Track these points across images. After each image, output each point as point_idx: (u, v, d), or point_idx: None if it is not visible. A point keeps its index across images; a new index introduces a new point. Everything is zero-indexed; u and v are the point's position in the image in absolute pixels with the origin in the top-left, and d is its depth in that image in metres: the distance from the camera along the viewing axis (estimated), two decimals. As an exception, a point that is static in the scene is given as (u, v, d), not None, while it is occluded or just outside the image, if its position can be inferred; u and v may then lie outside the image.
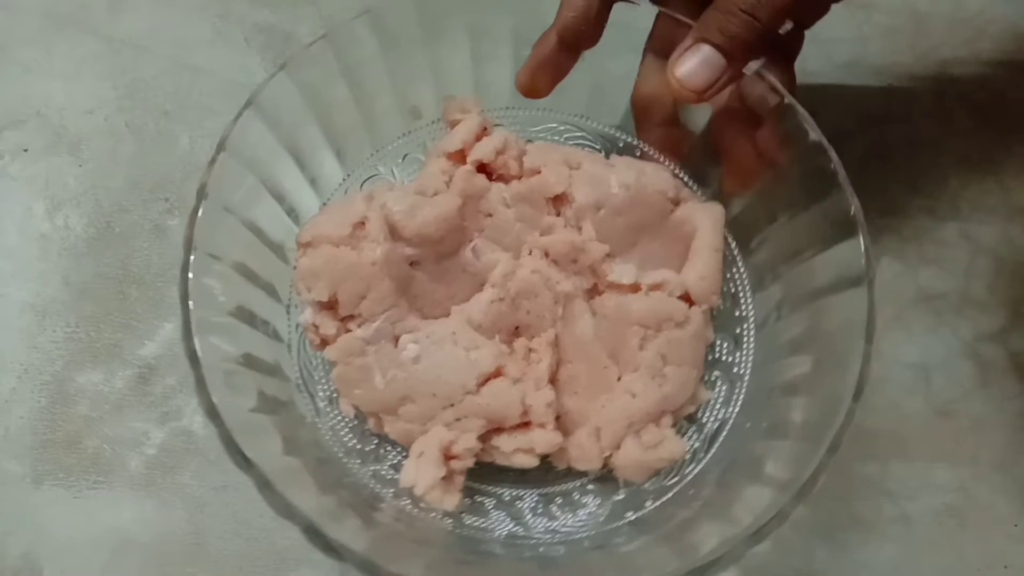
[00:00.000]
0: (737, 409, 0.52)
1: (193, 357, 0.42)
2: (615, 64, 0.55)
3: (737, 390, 0.53)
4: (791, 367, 0.50)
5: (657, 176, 0.53)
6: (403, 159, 0.58)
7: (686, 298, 0.51)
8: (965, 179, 0.65)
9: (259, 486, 0.40)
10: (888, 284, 0.61)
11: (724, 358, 0.54)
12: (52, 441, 0.55)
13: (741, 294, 0.55)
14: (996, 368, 0.60)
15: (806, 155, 0.49)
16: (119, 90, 0.65)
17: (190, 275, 0.44)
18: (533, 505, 0.52)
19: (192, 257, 0.44)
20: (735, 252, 0.55)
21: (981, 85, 0.68)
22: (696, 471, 0.51)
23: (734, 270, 0.55)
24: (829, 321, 0.48)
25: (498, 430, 0.49)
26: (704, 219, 0.53)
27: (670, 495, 0.50)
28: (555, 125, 0.59)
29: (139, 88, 0.65)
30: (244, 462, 0.41)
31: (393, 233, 0.51)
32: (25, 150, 0.63)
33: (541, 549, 0.50)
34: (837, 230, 0.48)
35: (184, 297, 0.43)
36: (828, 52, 0.69)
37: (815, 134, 0.49)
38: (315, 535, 0.40)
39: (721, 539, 0.41)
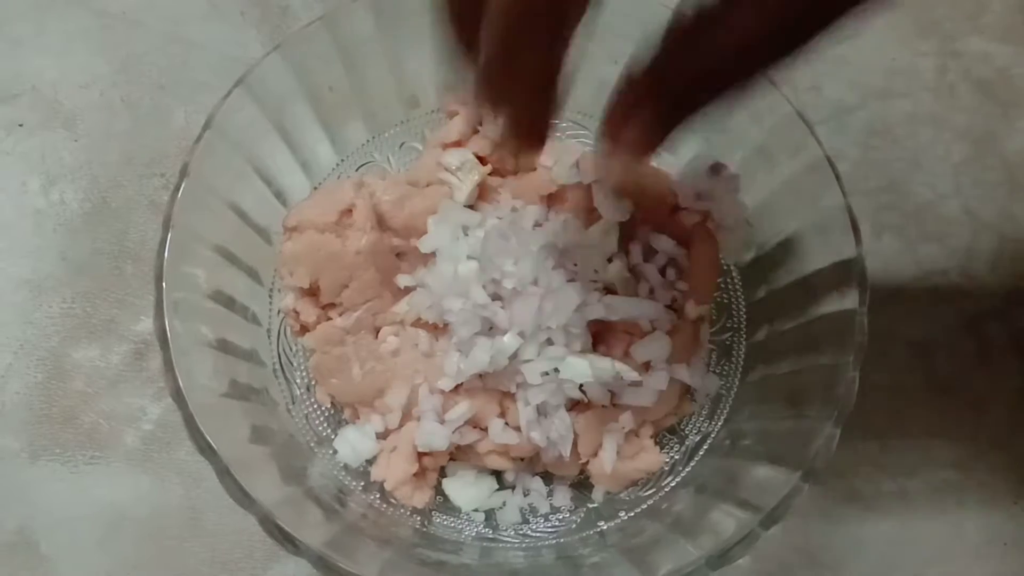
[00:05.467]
0: (720, 423, 0.51)
1: (163, 338, 0.42)
2: (622, 61, 0.54)
3: (722, 404, 0.52)
4: (777, 385, 0.49)
5: (657, 180, 0.52)
6: (400, 147, 0.57)
7: (677, 305, 0.50)
8: (967, 155, 0.64)
9: (218, 473, 0.40)
10: (889, 260, 0.61)
11: (712, 369, 0.53)
12: (48, 416, 0.55)
13: (734, 304, 0.54)
14: (997, 346, 0.59)
15: (810, 170, 0.48)
16: (113, 65, 0.64)
17: (166, 255, 0.43)
18: (506, 508, 0.51)
19: (170, 236, 0.43)
20: (731, 263, 0.54)
21: (984, 60, 0.67)
22: (673, 484, 0.50)
23: (728, 280, 0.54)
24: (820, 340, 0.47)
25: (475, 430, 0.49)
26: (701, 226, 0.52)
27: (644, 507, 0.50)
28: (557, 122, 0.57)
29: (133, 63, 0.64)
30: (206, 447, 0.40)
31: (381, 223, 0.50)
32: (20, 125, 0.62)
33: (508, 554, 0.49)
34: (836, 246, 0.46)
35: (159, 278, 0.43)
36: (830, 27, 0.68)
37: (820, 149, 0.47)
38: (273, 527, 0.40)
39: (682, 562, 0.40)
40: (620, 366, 0.47)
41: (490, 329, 0.47)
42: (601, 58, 0.54)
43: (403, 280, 0.50)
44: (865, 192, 0.63)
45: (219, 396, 0.44)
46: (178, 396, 0.41)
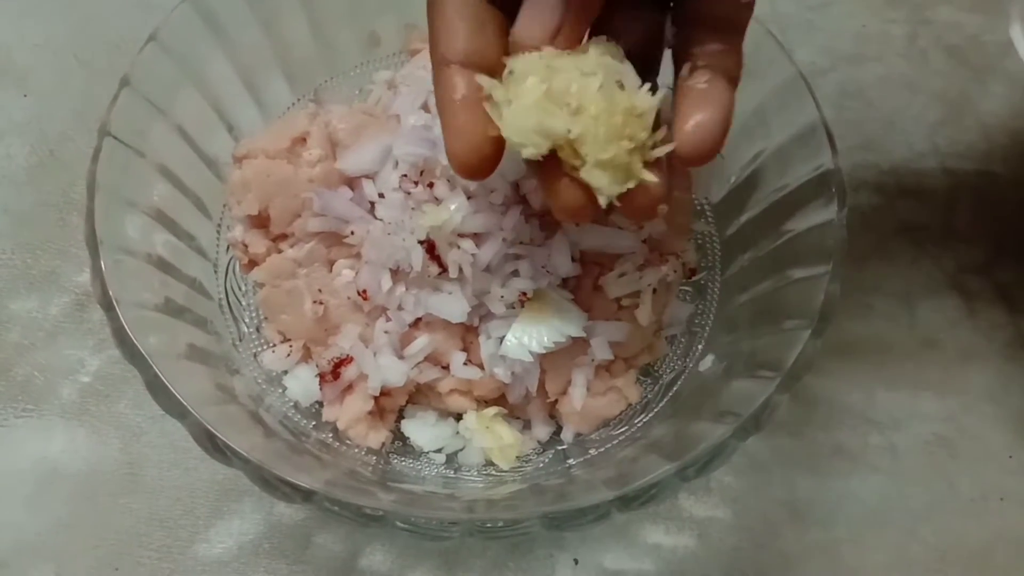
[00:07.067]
0: (695, 361, 0.48)
1: (92, 241, 0.39)
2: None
3: (697, 341, 0.49)
4: (753, 310, 0.46)
5: None
6: (359, 92, 0.55)
7: (650, 243, 0.47)
8: (943, 116, 0.63)
9: (147, 382, 0.36)
10: (867, 215, 0.59)
11: (686, 308, 0.50)
12: (-22, 369, 0.51)
13: (708, 245, 0.52)
14: (982, 299, 0.57)
15: (783, 88, 0.46)
16: (70, 26, 0.63)
17: (100, 159, 0.40)
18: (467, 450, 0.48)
19: (105, 142, 0.41)
20: (704, 200, 0.52)
21: (954, 28, 0.67)
22: (646, 420, 0.47)
23: (703, 220, 0.52)
24: (796, 258, 0.44)
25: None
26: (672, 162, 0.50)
27: (615, 443, 0.46)
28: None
29: (90, 24, 0.63)
30: (132, 355, 0.37)
31: (336, 151, 0.48)
32: (-34, 85, 0.60)
33: (468, 484, 0.46)
34: (812, 160, 0.45)
35: (91, 179, 0.40)
36: (799, -5, 0.68)
37: (793, 66, 0.46)
38: (204, 433, 0.36)
39: (656, 475, 0.37)
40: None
41: None
42: None
43: None
44: (841, 150, 0.61)
45: (152, 309, 0.41)
46: (107, 304, 0.38)
